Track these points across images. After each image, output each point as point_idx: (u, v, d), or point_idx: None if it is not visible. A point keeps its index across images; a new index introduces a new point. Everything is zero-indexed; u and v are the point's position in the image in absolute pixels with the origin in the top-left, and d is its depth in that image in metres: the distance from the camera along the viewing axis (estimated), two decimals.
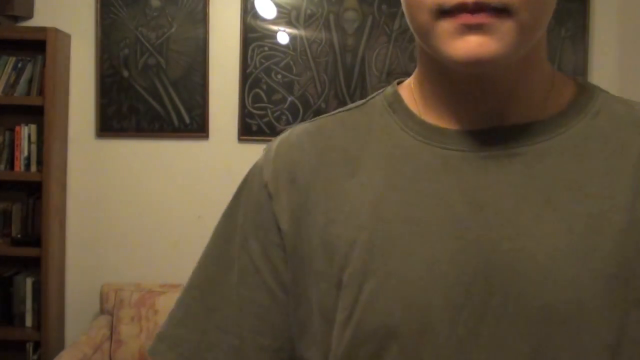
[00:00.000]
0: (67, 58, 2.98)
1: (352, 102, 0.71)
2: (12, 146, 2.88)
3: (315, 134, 0.67)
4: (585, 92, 0.63)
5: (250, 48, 2.97)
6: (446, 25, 0.54)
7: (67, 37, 2.96)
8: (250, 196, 0.66)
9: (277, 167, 0.65)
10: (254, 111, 2.98)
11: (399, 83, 0.68)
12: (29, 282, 2.87)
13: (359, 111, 0.68)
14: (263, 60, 2.97)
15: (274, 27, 2.98)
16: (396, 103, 0.65)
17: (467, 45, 0.53)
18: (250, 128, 2.98)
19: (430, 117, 0.63)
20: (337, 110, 0.69)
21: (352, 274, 0.58)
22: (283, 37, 2.98)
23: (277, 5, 2.98)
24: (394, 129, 0.64)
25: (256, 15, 2.97)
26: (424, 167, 0.60)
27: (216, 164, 3.00)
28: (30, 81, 2.87)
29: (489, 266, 0.55)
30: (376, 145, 0.63)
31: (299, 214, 0.63)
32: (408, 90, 0.66)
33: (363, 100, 0.69)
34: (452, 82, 0.60)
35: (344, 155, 0.64)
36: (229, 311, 0.64)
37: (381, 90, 0.69)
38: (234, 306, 0.64)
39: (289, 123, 2.97)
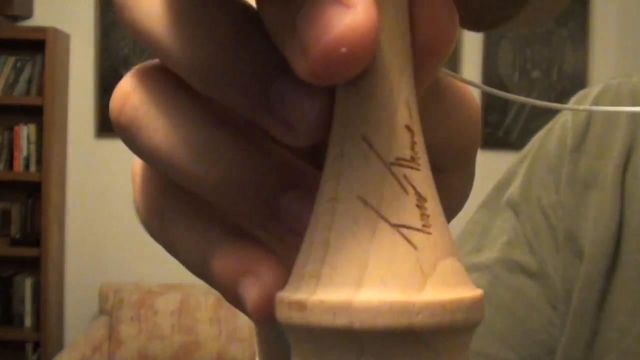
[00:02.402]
0: (67, 58, 2.98)
1: None
2: (11, 146, 2.88)
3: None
4: None
5: None
6: None
7: (67, 36, 2.96)
8: None
9: None
10: None
11: None
12: (28, 282, 2.87)
13: None
14: None
15: None
16: None
17: None
18: None
19: None
20: None
21: None
22: None
23: None
24: None
25: None
26: None
27: None
28: (29, 81, 2.86)
29: None
30: None
31: None
32: None
33: None
34: None
35: None
36: None
37: None
38: None
39: None
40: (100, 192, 3.02)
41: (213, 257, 0.19)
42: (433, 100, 0.20)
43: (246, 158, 0.18)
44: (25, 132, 2.86)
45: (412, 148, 0.16)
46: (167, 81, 0.18)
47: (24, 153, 2.86)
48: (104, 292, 2.84)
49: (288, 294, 0.16)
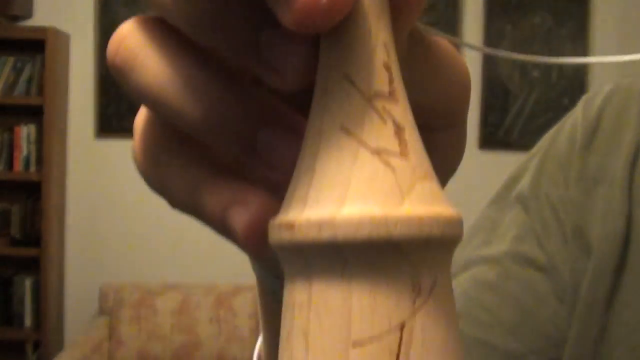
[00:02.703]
0: (67, 58, 2.98)
1: None
2: (11, 146, 2.88)
3: None
4: None
5: None
6: None
7: (67, 36, 2.96)
8: None
9: None
10: None
11: None
12: (28, 282, 2.87)
13: None
14: None
15: None
16: None
17: None
18: None
19: None
20: None
21: None
22: None
23: None
24: None
25: None
26: None
27: None
28: (29, 81, 2.87)
29: None
30: None
31: None
32: None
33: None
34: None
35: None
36: None
37: None
38: None
39: None
40: (100, 192, 3.02)
41: (203, 192, 0.20)
42: (421, 58, 0.21)
43: (228, 97, 0.19)
44: (25, 132, 2.86)
45: (390, 84, 0.18)
46: (160, 27, 0.20)
47: (24, 153, 2.86)
48: (104, 292, 2.84)
49: (278, 218, 0.18)
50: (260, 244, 0.19)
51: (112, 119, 2.99)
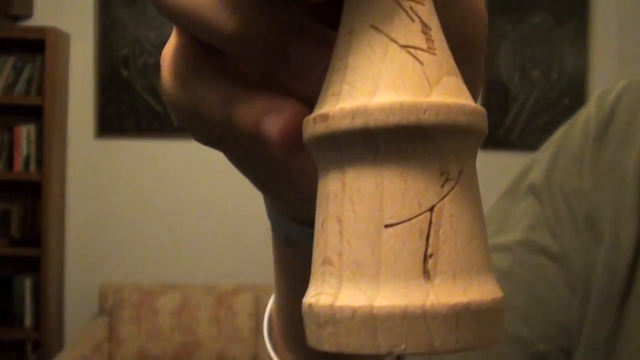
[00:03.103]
0: (67, 58, 2.98)
1: None
2: (11, 146, 2.88)
3: None
4: None
5: None
6: None
7: (67, 36, 2.96)
8: None
9: None
10: None
11: None
12: (28, 282, 2.87)
13: None
14: None
15: None
16: None
17: None
18: None
19: None
20: None
21: None
22: None
23: None
24: None
25: None
26: None
27: (216, 163, 2.99)
28: (29, 81, 2.86)
29: None
30: None
31: None
32: None
33: None
34: None
35: None
36: None
37: None
38: None
39: None
40: (100, 192, 3.02)
41: (237, 104, 0.21)
42: None
43: (261, 10, 0.20)
44: (25, 132, 2.86)
45: None
46: None
47: (24, 153, 2.86)
48: (104, 292, 2.84)
49: (313, 114, 0.19)
50: (294, 148, 0.20)
51: (112, 119, 2.99)
